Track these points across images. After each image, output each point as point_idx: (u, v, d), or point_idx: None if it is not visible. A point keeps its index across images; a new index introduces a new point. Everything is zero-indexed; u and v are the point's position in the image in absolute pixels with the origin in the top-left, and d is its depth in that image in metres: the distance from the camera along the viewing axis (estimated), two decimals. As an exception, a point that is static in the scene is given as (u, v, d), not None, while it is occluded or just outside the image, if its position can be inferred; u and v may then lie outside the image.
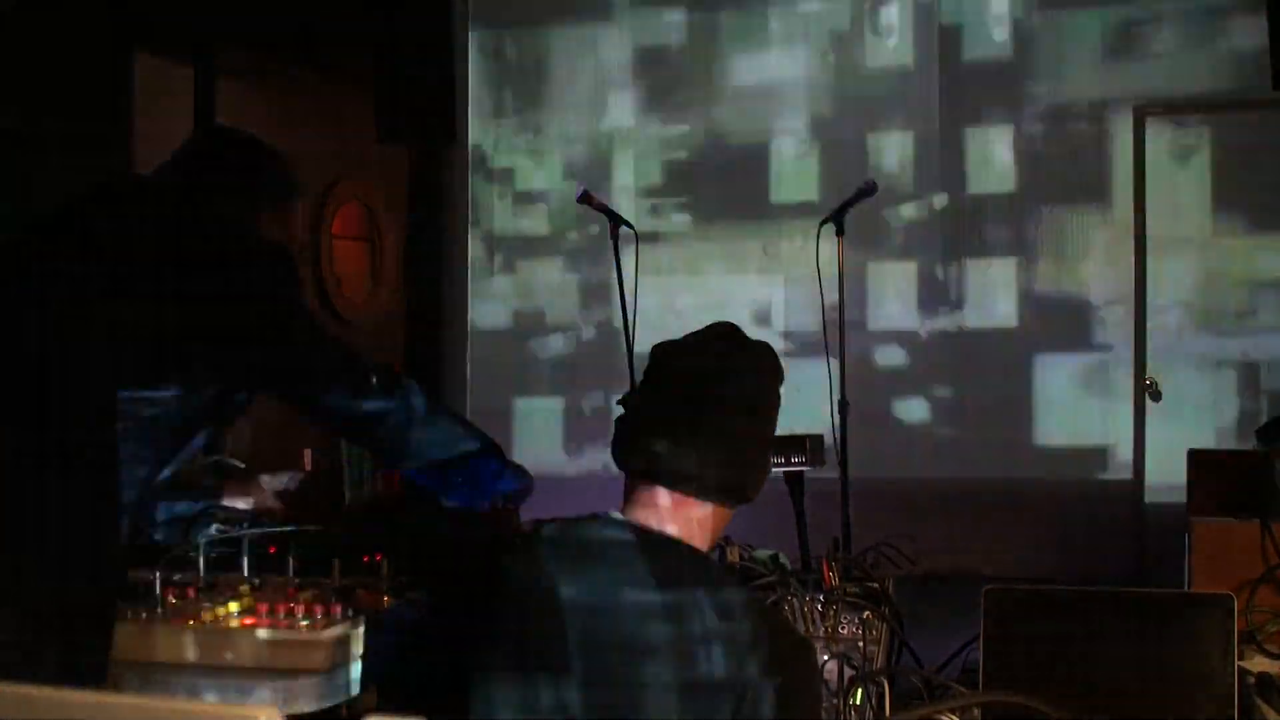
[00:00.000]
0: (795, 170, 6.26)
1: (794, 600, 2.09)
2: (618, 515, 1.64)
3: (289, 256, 2.24)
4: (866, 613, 2.09)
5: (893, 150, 6.13)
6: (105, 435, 2.02)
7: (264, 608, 2.06)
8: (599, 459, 6.19)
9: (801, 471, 2.64)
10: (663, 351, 1.72)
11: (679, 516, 1.63)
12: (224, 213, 2.23)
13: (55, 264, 2.09)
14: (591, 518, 1.64)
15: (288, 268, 2.21)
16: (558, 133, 6.60)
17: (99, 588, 1.98)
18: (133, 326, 2.04)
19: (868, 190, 3.96)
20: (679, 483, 1.62)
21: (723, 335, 1.74)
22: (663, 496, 1.63)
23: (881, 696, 1.91)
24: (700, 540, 1.65)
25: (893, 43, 6.15)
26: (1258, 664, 2.23)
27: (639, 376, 1.78)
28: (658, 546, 1.59)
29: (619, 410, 1.72)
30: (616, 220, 3.92)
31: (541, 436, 6.41)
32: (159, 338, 2.07)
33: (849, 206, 3.96)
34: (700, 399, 1.64)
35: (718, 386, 1.65)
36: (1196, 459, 3.13)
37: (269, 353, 2.17)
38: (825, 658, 1.98)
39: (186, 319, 2.07)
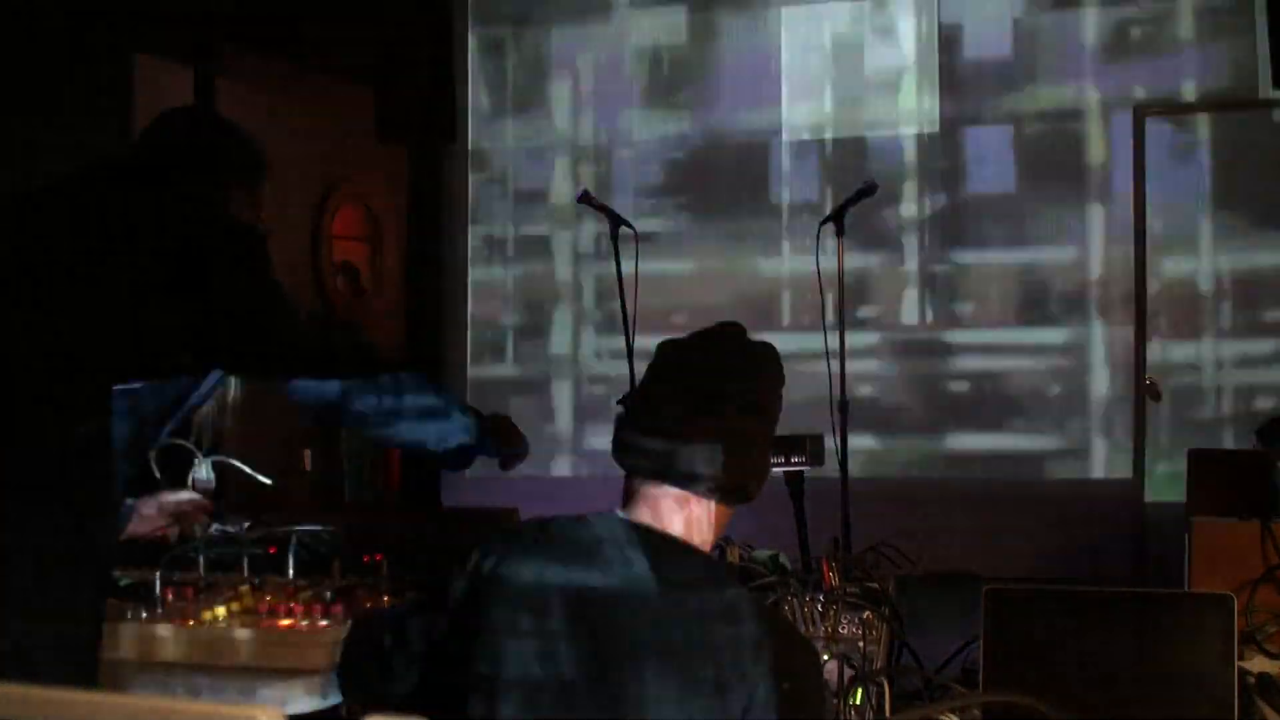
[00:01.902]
0: (797, 169, 6.26)
1: (794, 600, 2.09)
2: (618, 514, 1.64)
3: (259, 234, 2.19)
4: (866, 613, 2.09)
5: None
6: (93, 428, 1.99)
7: (264, 608, 2.06)
8: (599, 458, 6.18)
9: (801, 471, 2.64)
10: (666, 349, 1.72)
11: (679, 515, 1.63)
12: (191, 191, 2.17)
13: (22, 254, 2.05)
14: (591, 516, 1.63)
15: (257, 245, 2.16)
16: (558, 131, 6.60)
17: (87, 584, 1.96)
18: (107, 314, 2.00)
19: (868, 190, 3.96)
20: (679, 481, 1.62)
21: (726, 335, 1.74)
22: (663, 495, 1.63)
23: (881, 696, 1.90)
24: (700, 539, 1.64)
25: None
26: (1258, 664, 2.23)
27: (639, 376, 1.78)
28: (658, 545, 1.58)
29: (620, 409, 1.72)
30: (616, 220, 3.92)
31: (542, 436, 6.40)
32: (131, 324, 2.02)
33: (849, 206, 3.95)
34: (703, 398, 1.63)
35: (720, 386, 1.65)
36: (1196, 459, 3.12)
37: (241, 334, 2.11)
38: (825, 658, 1.98)
39: (157, 302, 2.02)
